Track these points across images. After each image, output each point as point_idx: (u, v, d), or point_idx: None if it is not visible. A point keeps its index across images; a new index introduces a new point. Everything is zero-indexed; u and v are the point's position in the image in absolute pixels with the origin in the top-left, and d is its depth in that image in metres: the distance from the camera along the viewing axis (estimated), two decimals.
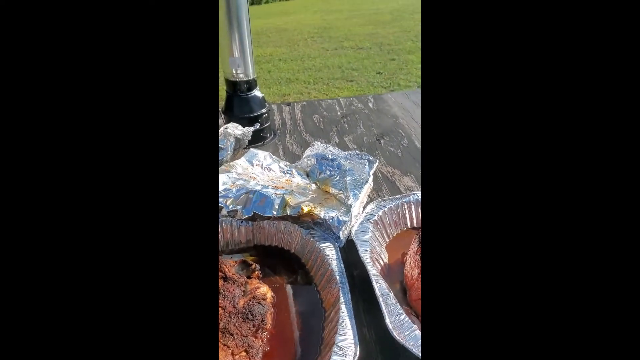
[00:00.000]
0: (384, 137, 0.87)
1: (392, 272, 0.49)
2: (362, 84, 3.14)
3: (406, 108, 1.00)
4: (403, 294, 0.46)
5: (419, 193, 0.56)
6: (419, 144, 0.83)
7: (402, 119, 0.94)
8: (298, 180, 0.62)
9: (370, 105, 1.03)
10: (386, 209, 0.54)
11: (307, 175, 0.65)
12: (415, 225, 0.55)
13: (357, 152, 0.66)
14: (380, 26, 4.98)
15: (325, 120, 0.95)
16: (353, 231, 0.49)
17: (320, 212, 0.49)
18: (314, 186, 0.61)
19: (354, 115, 0.97)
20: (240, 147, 0.76)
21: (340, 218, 0.49)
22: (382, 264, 0.49)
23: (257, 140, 0.82)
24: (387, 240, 0.53)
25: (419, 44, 3.95)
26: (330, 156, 0.64)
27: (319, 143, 0.69)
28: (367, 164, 0.64)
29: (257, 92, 0.81)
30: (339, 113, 0.99)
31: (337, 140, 0.85)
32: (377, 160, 0.64)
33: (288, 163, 0.66)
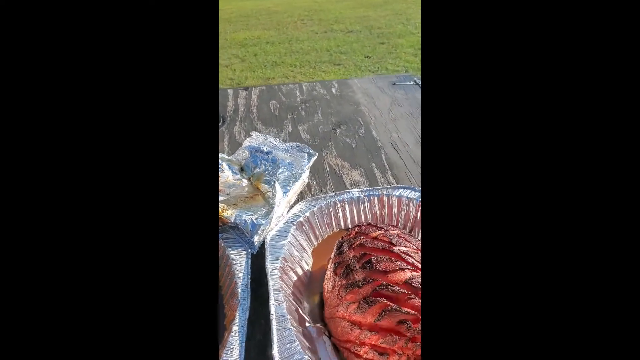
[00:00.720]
0: (341, 126, 0.80)
1: (314, 282, 0.43)
2: (350, 68, 3.05)
3: (370, 94, 0.93)
4: (321, 309, 0.40)
5: (356, 191, 0.51)
6: (376, 134, 0.77)
7: (364, 106, 0.88)
8: (228, 175, 0.56)
9: (334, 90, 0.96)
10: (315, 208, 0.48)
11: (242, 170, 0.59)
12: (349, 227, 0.50)
13: (298, 144, 0.60)
14: (372, 9, 4.83)
15: (282, 106, 0.88)
16: (269, 236, 0.43)
17: (232, 215, 0.43)
18: (245, 182, 0.55)
19: (313, 102, 0.90)
20: None
21: (255, 221, 0.43)
22: (302, 272, 0.43)
23: None
24: (316, 243, 0.48)
25: (410, 28, 3.83)
26: (265, 149, 0.58)
27: (258, 134, 0.63)
28: (306, 157, 0.58)
29: None
30: (298, 99, 0.92)
31: (290, 129, 0.79)
32: (316, 154, 0.58)
33: (220, 155, 0.60)
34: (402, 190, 0.50)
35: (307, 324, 0.38)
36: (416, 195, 0.49)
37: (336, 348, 0.36)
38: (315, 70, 3.05)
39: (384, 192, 0.50)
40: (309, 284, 0.43)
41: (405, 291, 0.34)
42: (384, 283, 0.34)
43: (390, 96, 0.92)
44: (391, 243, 0.37)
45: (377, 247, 0.36)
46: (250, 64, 3.21)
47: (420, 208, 0.48)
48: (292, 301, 0.38)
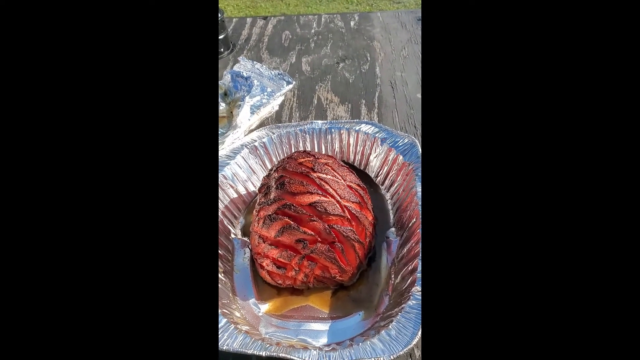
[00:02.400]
0: (346, 60, 0.77)
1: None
2: (410, 4, 2.81)
3: (389, 30, 0.87)
4: None
5: (319, 122, 0.50)
6: (379, 70, 0.73)
7: (377, 41, 0.83)
8: None
9: (352, 24, 0.91)
10: (275, 136, 0.49)
11: (225, 94, 0.61)
12: None
13: (280, 72, 0.60)
14: None
15: (294, 37, 0.86)
16: (219, 155, 0.46)
17: None
18: (223, 105, 0.57)
19: (326, 35, 0.87)
20: None
21: None
22: (247, 192, 0.46)
23: None
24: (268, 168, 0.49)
25: None
26: (245, 74, 0.59)
27: (246, 60, 0.63)
28: (284, 85, 0.58)
29: None
30: (312, 31, 0.89)
31: (294, 61, 0.78)
32: (293, 82, 0.58)
33: None
34: (363, 125, 0.49)
35: (232, 236, 0.41)
36: (374, 130, 0.47)
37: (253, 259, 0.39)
38: (372, 8, 2.86)
39: (346, 127, 0.49)
40: (253, 204, 0.46)
41: (308, 213, 0.35)
42: (288, 203, 0.35)
43: (411, 33, 0.85)
44: (312, 169, 0.37)
45: (297, 171, 0.37)
46: None
47: (374, 144, 0.47)
48: (218, 214, 0.41)
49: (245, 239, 0.41)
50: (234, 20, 0.96)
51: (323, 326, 0.34)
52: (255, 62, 0.63)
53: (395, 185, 0.44)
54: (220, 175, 0.43)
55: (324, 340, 0.33)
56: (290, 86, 0.57)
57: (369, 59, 0.78)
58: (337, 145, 0.50)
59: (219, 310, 0.31)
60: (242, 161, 0.46)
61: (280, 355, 0.28)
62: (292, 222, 0.34)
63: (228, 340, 0.29)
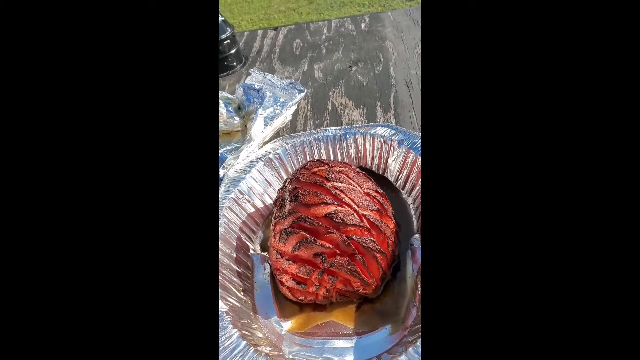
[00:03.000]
0: (359, 63, 0.76)
1: None
2: None
3: (401, 28, 0.85)
4: None
5: (333, 129, 0.49)
6: (393, 71, 0.71)
7: (390, 41, 0.81)
8: (222, 112, 0.59)
9: (363, 26, 0.89)
10: (289, 146, 0.48)
11: (239, 108, 0.61)
12: None
13: (291, 81, 0.59)
14: None
15: (305, 45, 0.86)
16: (232, 169, 0.45)
17: None
18: (237, 120, 0.57)
19: (337, 39, 0.86)
20: None
21: (219, 154, 0.45)
22: (264, 205, 0.45)
23: (222, 69, 0.78)
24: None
25: None
26: (257, 86, 0.58)
27: (257, 72, 0.63)
28: (296, 94, 0.57)
29: None
30: (323, 37, 0.88)
31: (306, 68, 0.77)
32: (305, 91, 0.57)
33: (220, 92, 0.62)
34: (379, 128, 0.47)
35: (251, 251, 0.40)
36: (390, 133, 0.46)
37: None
38: (384, 9, 2.83)
39: (360, 131, 0.48)
40: (270, 217, 0.45)
41: (324, 225, 0.33)
42: (303, 215, 0.34)
43: None
44: (326, 178, 0.36)
45: (310, 181, 0.36)
46: (318, 5, 3.09)
47: (392, 147, 0.45)
48: (236, 230, 0.40)
49: (265, 254, 0.40)
50: (246, 33, 0.97)
51: (348, 343, 0.32)
52: (266, 73, 0.63)
53: (417, 188, 0.42)
54: (236, 190, 0.43)
55: (349, 358, 0.31)
56: (303, 94, 0.56)
57: (382, 59, 0.77)
58: (353, 151, 0.48)
59: (239, 332, 0.30)
60: (257, 174, 0.46)
61: None
62: (308, 236, 0.33)
63: None
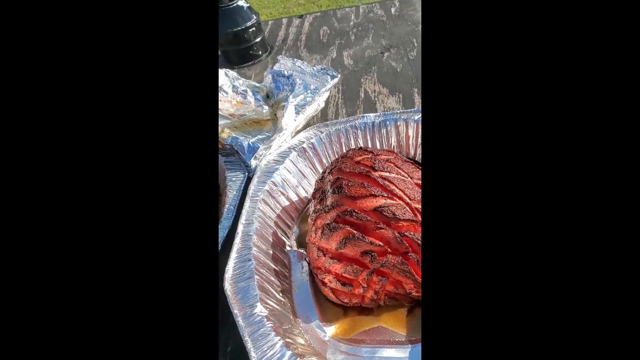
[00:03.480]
0: (391, 49, 0.71)
1: None
2: None
3: None
4: None
5: (372, 115, 0.45)
6: None
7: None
8: (251, 101, 0.56)
9: (393, 10, 0.84)
10: (323, 135, 0.45)
11: (268, 97, 0.58)
12: None
13: (323, 67, 0.56)
14: None
15: (332, 32, 0.82)
16: (265, 160, 0.42)
17: (227, 138, 0.43)
18: (266, 109, 0.54)
19: (367, 25, 0.81)
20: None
21: (251, 144, 0.42)
22: (299, 198, 0.41)
23: (247, 58, 0.75)
24: (321, 171, 0.45)
25: None
26: (286, 72, 0.55)
27: (286, 58, 0.60)
28: (329, 80, 0.53)
29: (240, 2, 0.72)
30: (351, 23, 0.84)
31: (334, 56, 0.73)
32: (338, 76, 0.53)
33: (247, 81, 0.59)
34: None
35: (287, 248, 0.37)
36: None
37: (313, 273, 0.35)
38: None
39: (402, 117, 0.44)
40: (306, 211, 0.42)
41: (373, 219, 0.30)
42: (349, 209, 0.30)
43: None
44: (372, 168, 0.32)
45: (354, 171, 0.32)
46: None
47: None
48: (272, 224, 0.37)
49: (302, 250, 0.37)
50: (270, 22, 0.94)
51: (402, 352, 0.29)
52: (296, 59, 0.60)
53: None
54: (269, 182, 0.40)
55: None
56: (336, 80, 0.53)
57: (415, 45, 0.72)
58: (393, 140, 0.44)
59: (282, 340, 0.27)
60: (291, 165, 0.42)
61: None
62: (355, 232, 0.30)
63: None
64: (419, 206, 0.31)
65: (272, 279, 0.33)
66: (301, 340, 0.29)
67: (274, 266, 0.34)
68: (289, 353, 0.26)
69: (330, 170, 0.34)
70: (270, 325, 0.28)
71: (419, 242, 0.30)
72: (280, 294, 0.32)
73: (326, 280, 0.31)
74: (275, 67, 0.59)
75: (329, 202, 0.32)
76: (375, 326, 0.31)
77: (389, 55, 0.70)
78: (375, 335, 0.31)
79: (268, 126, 0.48)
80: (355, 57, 0.72)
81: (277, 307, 0.31)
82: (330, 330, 0.31)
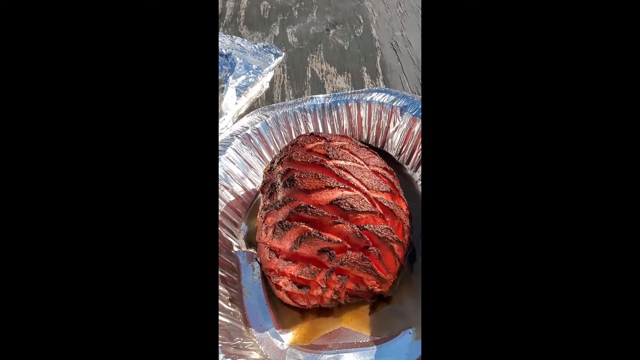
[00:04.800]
0: (337, 25, 0.68)
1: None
2: None
3: None
4: None
5: (321, 97, 0.42)
6: (376, 32, 0.64)
7: (368, 0, 0.73)
8: None
9: None
10: (269, 119, 0.41)
11: None
12: None
13: (265, 44, 0.51)
14: None
15: (274, 8, 0.76)
16: None
17: None
18: None
19: (310, 0, 0.77)
20: None
21: None
22: (245, 191, 0.37)
23: None
24: (269, 160, 0.41)
25: None
26: (224, 51, 0.50)
27: (224, 35, 0.54)
28: (272, 58, 0.49)
29: None
30: None
31: (277, 33, 0.68)
32: (282, 54, 0.49)
33: None
34: (375, 94, 0.40)
35: (234, 249, 0.33)
36: (389, 98, 0.39)
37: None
38: None
39: (353, 98, 0.41)
40: (255, 206, 0.38)
41: (330, 214, 0.27)
42: (303, 204, 0.27)
43: None
44: (326, 156, 0.29)
45: (307, 161, 0.29)
46: None
47: (393, 114, 0.39)
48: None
49: (252, 250, 0.34)
50: None
51: (367, 355, 0.27)
52: (234, 36, 0.54)
53: None
54: None
55: None
56: (280, 58, 0.48)
57: (362, 21, 0.69)
58: (345, 122, 0.41)
59: None
60: (234, 155, 0.38)
61: None
62: (310, 229, 0.26)
63: None
64: (378, 196, 0.29)
65: (220, 288, 0.29)
66: (256, 355, 0.26)
67: (220, 272, 0.30)
68: None
69: (280, 160, 0.31)
70: (218, 345, 0.24)
71: (380, 234, 0.27)
72: (229, 304, 0.29)
73: (281, 284, 0.28)
74: None
75: (279, 197, 0.28)
76: (337, 328, 0.29)
77: (335, 32, 0.66)
78: (337, 338, 0.28)
79: None
80: (300, 35, 0.67)
81: (226, 320, 0.27)
82: (288, 337, 0.29)
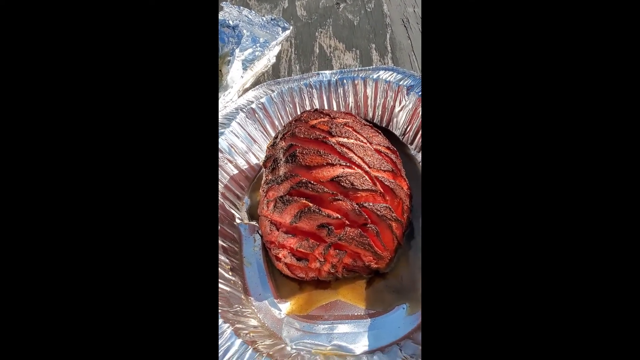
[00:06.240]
0: (348, 0, 0.66)
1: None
2: None
3: None
4: None
5: (327, 73, 0.42)
6: (387, 8, 0.62)
7: None
8: None
9: None
10: (275, 94, 0.41)
11: None
12: None
13: (273, 17, 0.50)
14: None
15: None
16: None
17: None
18: None
19: None
20: None
21: None
22: (249, 165, 0.38)
23: None
24: (273, 135, 0.41)
25: None
26: (231, 22, 0.49)
27: (231, 6, 0.53)
28: (280, 32, 0.48)
29: None
30: None
31: (286, 5, 0.67)
32: (290, 28, 0.48)
33: None
34: (382, 72, 0.40)
35: (237, 221, 0.34)
36: (397, 77, 0.39)
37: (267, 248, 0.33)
38: None
39: (360, 75, 0.40)
40: (258, 179, 0.38)
41: (330, 191, 0.27)
42: (304, 180, 0.27)
43: None
44: (329, 133, 0.29)
45: (310, 137, 0.29)
46: None
47: (399, 94, 0.38)
48: (220, 196, 0.33)
49: (254, 223, 0.34)
50: None
51: (361, 327, 0.28)
52: (242, 7, 0.53)
53: None
54: None
55: (364, 344, 0.27)
56: (287, 32, 0.48)
57: None
58: (351, 100, 0.41)
59: (231, 328, 0.24)
60: (238, 129, 0.38)
61: None
62: (311, 204, 0.27)
63: None
64: (379, 174, 0.29)
65: (221, 257, 0.30)
66: (254, 322, 0.27)
67: (222, 242, 0.31)
68: (239, 341, 0.23)
69: (283, 135, 0.31)
70: (218, 311, 0.25)
71: (379, 212, 0.28)
72: (230, 273, 0.30)
73: (280, 255, 0.29)
74: (219, 17, 0.53)
75: (281, 172, 0.29)
76: (333, 300, 0.30)
77: (345, 7, 0.65)
78: (333, 310, 0.29)
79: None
80: (309, 8, 0.66)
81: (226, 288, 0.28)
82: (286, 307, 0.30)
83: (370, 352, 0.26)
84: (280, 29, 0.49)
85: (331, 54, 0.56)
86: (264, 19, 0.51)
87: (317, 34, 0.60)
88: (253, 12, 0.53)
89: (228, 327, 0.24)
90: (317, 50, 0.56)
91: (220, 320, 0.24)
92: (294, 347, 0.26)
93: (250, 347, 0.23)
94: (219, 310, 0.25)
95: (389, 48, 0.55)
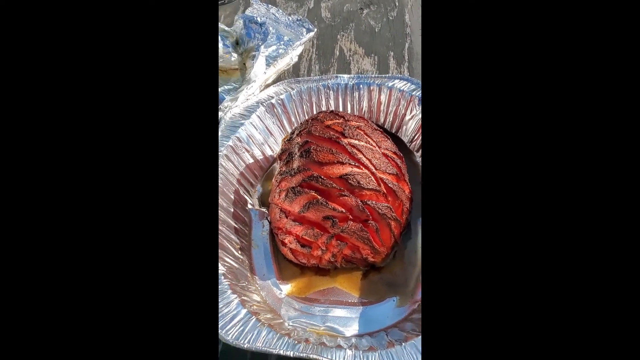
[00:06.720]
0: (371, 5, 0.68)
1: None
2: None
3: None
4: None
5: (345, 77, 0.44)
6: (409, 18, 0.64)
7: None
8: (219, 46, 0.52)
9: None
10: (294, 92, 0.43)
11: (237, 43, 0.54)
12: None
13: (299, 18, 0.52)
14: None
15: None
16: (230, 113, 0.40)
17: None
18: (234, 57, 0.51)
19: None
20: None
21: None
22: (264, 156, 0.41)
23: None
24: (289, 130, 0.44)
25: None
26: (259, 19, 0.51)
27: (260, 3, 0.55)
28: (304, 33, 0.51)
29: None
30: None
31: (312, 6, 0.69)
32: (314, 30, 0.51)
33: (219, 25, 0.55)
34: (397, 81, 0.42)
35: (249, 206, 0.37)
36: (410, 87, 0.41)
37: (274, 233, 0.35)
38: None
39: (376, 82, 0.43)
40: (271, 170, 0.41)
41: (338, 186, 0.30)
42: (315, 174, 0.30)
43: None
44: (342, 134, 0.32)
45: (324, 136, 0.32)
46: None
47: (411, 103, 0.41)
48: (234, 182, 0.36)
49: (264, 209, 0.37)
50: None
51: (353, 313, 0.30)
52: (270, 5, 0.56)
53: None
54: (234, 137, 0.38)
55: (354, 329, 0.29)
56: (312, 34, 0.50)
57: (397, 4, 0.69)
58: (365, 104, 0.44)
59: (238, 299, 0.27)
60: (257, 121, 0.41)
61: (311, 356, 0.24)
62: (319, 197, 0.30)
63: (249, 335, 0.25)
64: (384, 176, 0.31)
65: (232, 236, 0.33)
66: (257, 298, 0.30)
67: (234, 224, 0.34)
68: (244, 311, 0.26)
69: (299, 132, 0.33)
70: (227, 283, 0.28)
71: (380, 211, 0.30)
72: (239, 252, 0.33)
73: (286, 241, 0.32)
74: (248, 12, 0.55)
75: (295, 165, 0.31)
76: (331, 287, 0.32)
77: (369, 13, 0.67)
78: (329, 295, 0.32)
79: (236, 76, 0.45)
80: (334, 11, 0.68)
81: (235, 265, 0.31)
82: (286, 288, 0.32)
83: (359, 335, 0.29)
84: (304, 29, 0.51)
85: (350, 58, 0.58)
86: (290, 18, 0.54)
87: (338, 36, 0.63)
88: (280, 10, 0.55)
89: (235, 298, 0.27)
90: (337, 53, 0.59)
91: (229, 291, 0.27)
92: (291, 323, 0.29)
93: (254, 316, 0.26)
94: (228, 283, 0.28)
95: (406, 57, 0.57)
